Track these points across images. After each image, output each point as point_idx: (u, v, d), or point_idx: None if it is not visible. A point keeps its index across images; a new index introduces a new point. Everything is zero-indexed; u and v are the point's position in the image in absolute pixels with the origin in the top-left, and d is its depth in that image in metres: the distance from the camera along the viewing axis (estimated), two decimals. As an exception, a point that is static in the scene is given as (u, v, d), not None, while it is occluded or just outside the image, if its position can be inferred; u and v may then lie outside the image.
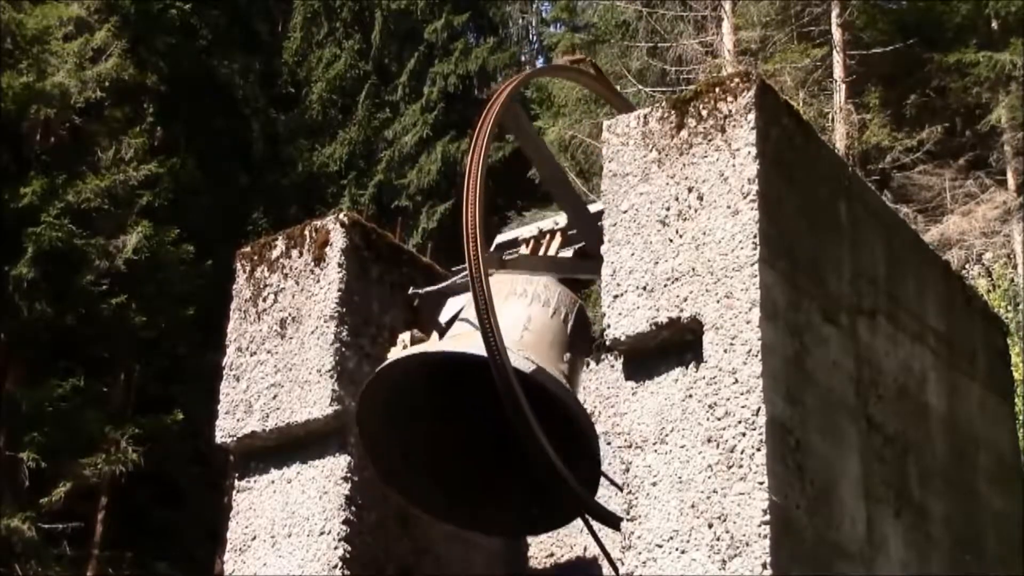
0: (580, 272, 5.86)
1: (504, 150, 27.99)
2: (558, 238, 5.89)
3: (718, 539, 4.56)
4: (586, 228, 5.72)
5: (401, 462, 5.66)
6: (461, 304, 5.90)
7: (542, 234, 5.93)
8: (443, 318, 5.91)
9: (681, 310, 4.83)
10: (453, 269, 6.19)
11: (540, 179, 5.89)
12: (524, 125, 5.82)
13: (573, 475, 5.27)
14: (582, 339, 5.79)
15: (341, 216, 5.89)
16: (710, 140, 4.96)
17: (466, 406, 5.68)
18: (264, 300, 5.92)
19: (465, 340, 5.43)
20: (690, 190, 4.96)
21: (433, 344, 5.59)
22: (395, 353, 5.77)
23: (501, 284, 5.53)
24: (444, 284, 6.04)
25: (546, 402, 5.31)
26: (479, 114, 5.58)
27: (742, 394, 4.65)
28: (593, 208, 5.92)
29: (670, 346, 4.88)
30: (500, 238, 6.13)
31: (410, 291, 5.97)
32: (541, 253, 5.89)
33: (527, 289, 5.65)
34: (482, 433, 5.74)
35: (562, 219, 5.99)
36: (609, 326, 4.97)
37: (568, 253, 5.84)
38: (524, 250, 5.92)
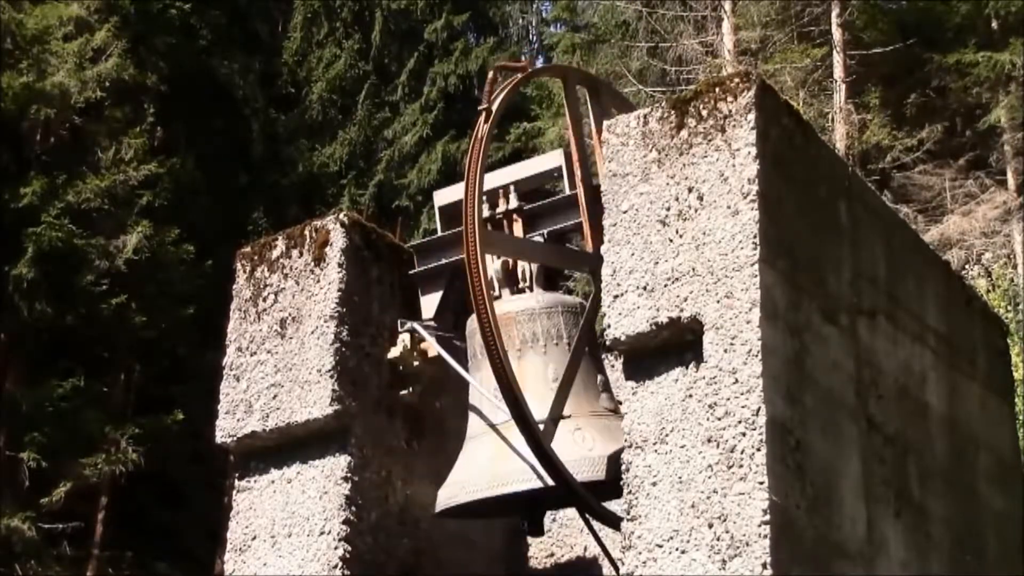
0: (569, 263, 5.79)
1: (504, 150, 27.97)
2: (518, 220, 5.81)
3: (718, 539, 4.56)
4: (584, 261, 5.69)
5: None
6: (436, 299, 5.86)
7: (497, 215, 5.82)
8: (425, 314, 5.88)
9: (681, 310, 4.83)
10: (409, 246, 6.13)
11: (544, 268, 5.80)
12: (501, 240, 5.75)
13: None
14: (596, 342, 5.75)
15: (341, 216, 5.89)
16: (710, 140, 4.96)
17: None
18: (264, 300, 5.92)
19: (521, 465, 5.30)
20: (690, 190, 4.95)
21: (492, 478, 5.40)
22: (395, 352, 5.76)
23: (507, 328, 5.42)
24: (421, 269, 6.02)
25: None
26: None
27: (742, 394, 4.65)
28: (550, 162, 5.86)
29: (670, 346, 4.88)
30: (444, 196, 6.02)
31: (400, 325, 5.86)
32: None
33: (536, 331, 5.56)
34: None
35: (512, 173, 5.93)
36: (609, 326, 4.97)
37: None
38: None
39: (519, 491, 5.31)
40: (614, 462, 5.19)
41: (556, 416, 5.33)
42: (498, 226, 5.83)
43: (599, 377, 5.60)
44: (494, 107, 5.55)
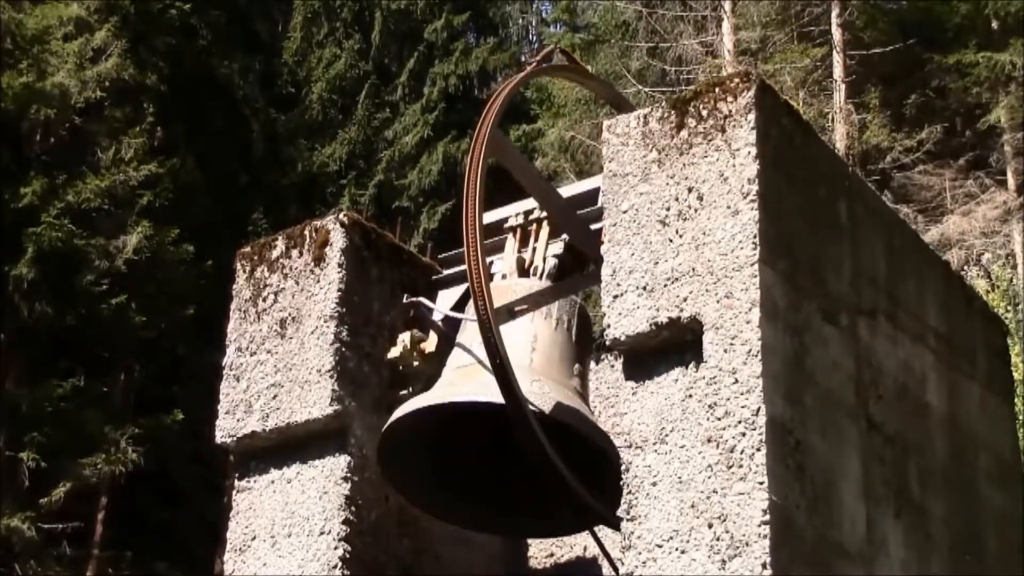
0: (584, 286, 5.82)
1: (504, 150, 27.92)
2: (546, 227, 5.85)
3: (718, 539, 4.56)
4: (586, 239, 5.70)
5: (429, 487, 5.74)
6: (454, 299, 5.89)
7: (529, 222, 5.88)
8: (437, 315, 5.90)
9: (681, 310, 4.83)
10: (440, 257, 6.18)
11: (538, 204, 5.85)
12: (509, 149, 5.77)
13: (593, 495, 5.27)
14: (586, 342, 5.79)
15: (341, 216, 5.89)
16: (710, 140, 4.96)
17: (477, 417, 5.67)
18: (264, 300, 5.92)
19: (478, 381, 5.35)
20: (690, 190, 4.95)
21: (447, 391, 5.48)
22: (395, 352, 5.77)
23: (501, 296, 5.46)
24: (437, 278, 6.07)
25: (565, 432, 5.31)
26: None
27: (742, 394, 4.65)
28: (589, 185, 5.90)
29: (670, 346, 4.88)
30: (486, 218, 6.09)
31: (405, 299, 5.94)
32: (531, 244, 5.84)
33: (528, 304, 5.61)
34: (491, 434, 5.74)
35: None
36: (609, 326, 4.96)
37: (559, 245, 5.80)
38: (511, 242, 5.85)
39: (465, 401, 5.34)
40: (562, 412, 5.22)
41: (524, 368, 5.35)
42: (527, 233, 5.88)
43: (576, 366, 5.64)
44: (543, 65, 5.74)
